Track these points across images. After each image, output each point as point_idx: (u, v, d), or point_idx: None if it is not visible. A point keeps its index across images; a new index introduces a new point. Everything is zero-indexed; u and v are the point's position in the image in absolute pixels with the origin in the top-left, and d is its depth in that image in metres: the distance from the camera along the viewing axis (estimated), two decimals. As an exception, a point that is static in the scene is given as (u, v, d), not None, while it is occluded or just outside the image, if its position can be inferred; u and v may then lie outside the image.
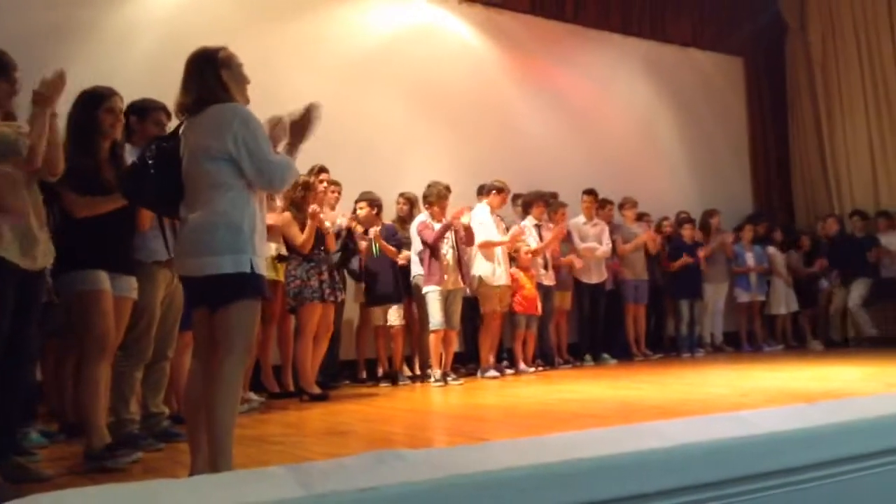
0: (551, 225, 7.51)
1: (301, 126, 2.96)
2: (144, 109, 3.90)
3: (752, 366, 6.98)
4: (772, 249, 9.30)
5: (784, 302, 9.24)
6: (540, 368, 7.15)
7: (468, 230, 6.54)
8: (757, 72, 10.76)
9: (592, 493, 2.64)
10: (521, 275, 7.01)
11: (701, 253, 8.61)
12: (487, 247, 6.78)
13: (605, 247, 7.87)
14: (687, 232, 8.64)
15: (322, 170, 6.06)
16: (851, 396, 3.96)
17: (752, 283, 9.12)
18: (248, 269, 2.73)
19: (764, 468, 3.02)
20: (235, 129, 2.73)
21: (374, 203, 6.60)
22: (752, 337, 9.18)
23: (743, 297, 9.12)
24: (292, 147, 2.97)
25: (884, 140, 9.60)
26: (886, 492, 3.42)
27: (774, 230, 9.54)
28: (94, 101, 3.51)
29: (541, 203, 7.46)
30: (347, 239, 6.16)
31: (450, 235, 6.47)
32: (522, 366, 6.96)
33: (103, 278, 3.40)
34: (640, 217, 8.63)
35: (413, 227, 6.63)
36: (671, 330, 8.80)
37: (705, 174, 10.07)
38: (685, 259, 8.47)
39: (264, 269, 2.88)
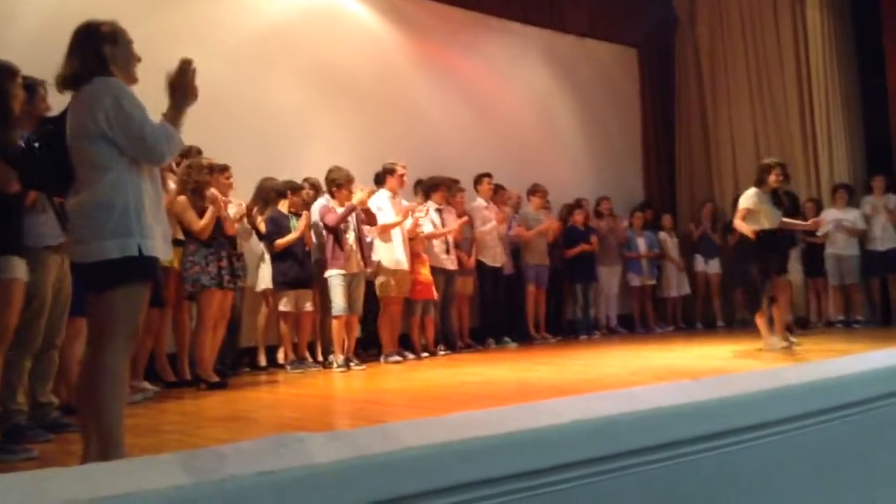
0: (452, 209, 7.60)
1: (178, 85, 2.78)
2: (32, 87, 3.72)
3: (643, 346, 7.27)
4: (662, 235, 9.70)
5: (674, 285, 9.65)
6: (443, 353, 7.23)
7: (368, 212, 6.53)
8: (650, 63, 11.15)
9: (491, 470, 2.71)
10: (418, 260, 7.05)
11: (594, 238, 8.87)
12: (385, 230, 6.78)
13: (493, 225, 7.92)
14: (579, 217, 8.89)
15: (224, 168, 5.88)
16: (731, 373, 4.20)
17: (644, 268, 9.49)
18: (135, 253, 2.64)
19: (652, 441, 3.18)
20: (107, 106, 2.63)
21: (315, 187, 6.70)
22: (644, 319, 9.56)
23: (635, 280, 9.49)
24: (175, 111, 2.79)
25: (766, 131, 10.11)
26: (763, 462, 3.66)
27: (665, 216, 9.93)
28: (4, 74, 3.34)
29: (442, 188, 7.53)
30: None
31: (351, 219, 6.44)
32: (424, 353, 7.02)
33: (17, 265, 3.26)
34: (547, 204, 8.83)
35: (314, 211, 6.58)
36: (570, 314, 9.06)
37: (601, 162, 10.39)
38: (582, 246, 8.72)
39: (160, 251, 2.77)
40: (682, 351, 6.60)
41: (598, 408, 3.24)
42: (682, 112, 11.07)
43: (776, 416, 3.74)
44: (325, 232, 6.44)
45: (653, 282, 9.59)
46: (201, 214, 5.40)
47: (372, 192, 6.72)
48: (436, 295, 7.12)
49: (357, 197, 6.39)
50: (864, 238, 8.57)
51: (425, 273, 7.06)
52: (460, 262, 7.60)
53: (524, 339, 8.17)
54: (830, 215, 8.61)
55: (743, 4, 10.40)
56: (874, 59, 9.16)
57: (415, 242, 7.03)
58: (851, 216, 8.62)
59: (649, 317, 9.58)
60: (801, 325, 8.58)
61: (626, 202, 10.06)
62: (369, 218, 6.56)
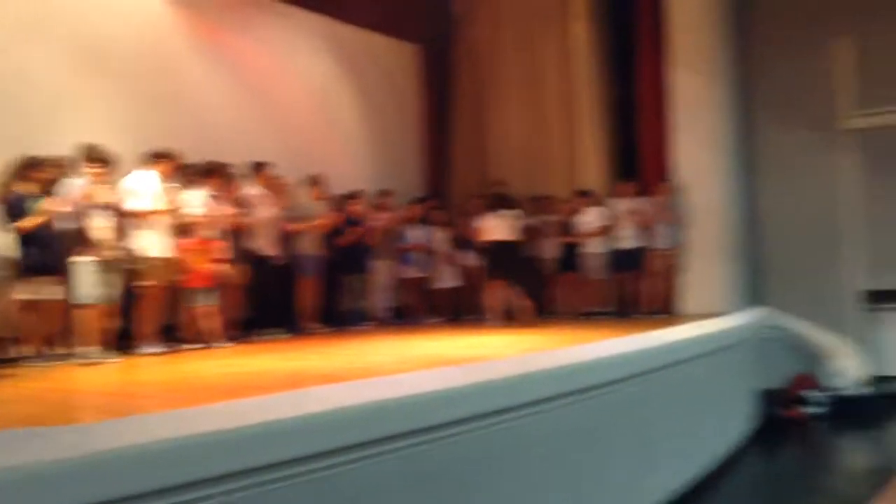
0: (226, 196, 7.33)
1: None
2: None
3: (413, 336, 7.47)
4: (434, 228, 10.01)
5: (445, 277, 10.00)
6: (217, 345, 6.94)
7: (124, 196, 6.13)
8: (431, 60, 11.44)
9: (253, 459, 2.66)
10: (191, 247, 6.75)
11: (368, 228, 8.96)
12: (142, 216, 6.39)
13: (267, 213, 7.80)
14: (355, 208, 8.94)
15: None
16: (491, 360, 4.45)
17: (416, 260, 9.75)
18: None
19: (415, 425, 3.29)
20: None
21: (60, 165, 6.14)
22: (415, 310, 9.82)
23: (407, 272, 9.72)
24: None
25: (532, 133, 10.77)
26: (517, 440, 3.92)
27: (438, 211, 10.26)
28: None
29: (216, 174, 7.26)
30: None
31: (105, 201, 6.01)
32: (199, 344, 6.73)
33: None
34: (324, 194, 8.75)
35: (65, 191, 6.05)
36: (343, 304, 9.07)
37: (380, 155, 10.52)
38: (355, 231, 8.76)
39: None
40: (450, 340, 6.86)
41: (363, 394, 3.30)
42: (458, 110, 11.48)
43: (529, 397, 4.03)
44: (73, 215, 5.94)
45: (424, 274, 9.86)
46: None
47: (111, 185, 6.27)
48: (212, 283, 6.84)
49: (88, 190, 5.97)
50: (612, 237, 9.39)
51: (201, 260, 6.76)
52: (234, 251, 7.35)
53: (296, 329, 8.07)
54: (586, 216, 9.38)
55: (516, 11, 10.99)
56: (627, 73, 10.11)
57: (188, 228, 6.70)
58: (598, 217, 9.38)
59: (420, 308, 9.85)
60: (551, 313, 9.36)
61: (402, 195, 10.26)
62: (122, 202, 6.17)
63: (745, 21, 9.65)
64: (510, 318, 8.79)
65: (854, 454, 7.60)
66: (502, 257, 8.90)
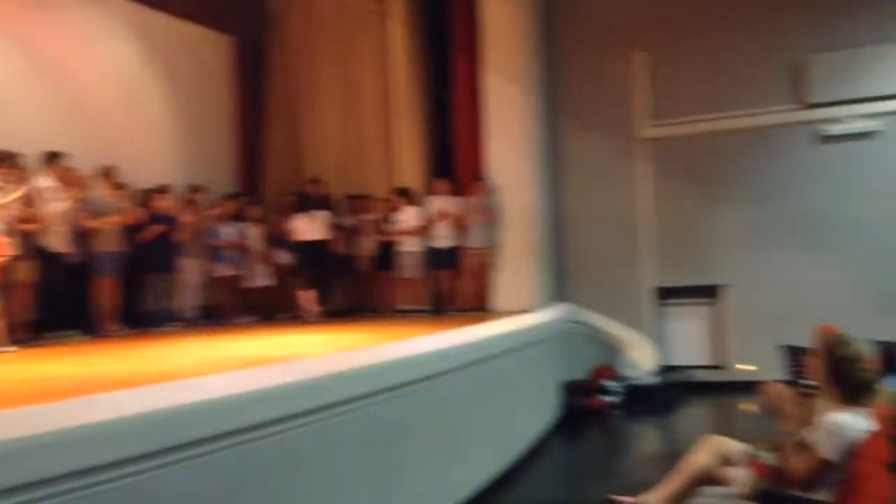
0: (13, 187, 6.69)
1: None
2: None
3: (222, 336, 7.19)
4: (247, 225, 9.71)
5: (257, 276, 9.73)
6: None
7: None
8: (249, 54, 11.09)
9: (39, 471, 2.43)
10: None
11: (177, 224, 8.55)
12: None
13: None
14: (161, 203, 8.50)
15: None
16: (301, 360, 4.36)
17: (228, 258, 9.42)
18: None
19: (220, 429, 3.16)
20: None
21: None
22: (227, 309, 9.48)
23: (218, 270, 9.36)
24: None
25: (351, 132, 10.72)
26: (324, 440, 3.86)
27: (251, 207, 9.97)
28: None
29: (3, 164, 6.65)
30: None
31: None
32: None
33: None
34: (120, 187, 8.22)
35: None
36: (146, 304, 8.58)
37: (192, 149, 10.05)
38: (157, 228, 8.31)
39: None
40: (261, 340, 6.66)
41: (165, 399, 3.11)
42: (273, 106, 11.21)
43: (340, 396, 4.00)
44: None
45: (237, 272, 9.55)
46: None
47: None
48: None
49: None
50: (428, 236, 9.54)
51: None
52: (22, 247, 6.73)
53: (93, 331, 7.53)
54: (403, 214, 9.47)
55: (332, 10, 10.90)
56: (443, 75, 10.30)
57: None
58: (415, 216, 9.51)
59: (232, 307, 9.52)
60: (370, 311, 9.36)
61: (215, 191, 9.87)
62: None
63: (553, 32, 10.16)
64: (324, 317, 8.73)
65: (646, 439, 8.21)
66: (313, 257, 8.82)
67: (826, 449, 3.20)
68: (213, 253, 9.34)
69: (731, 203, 9.69)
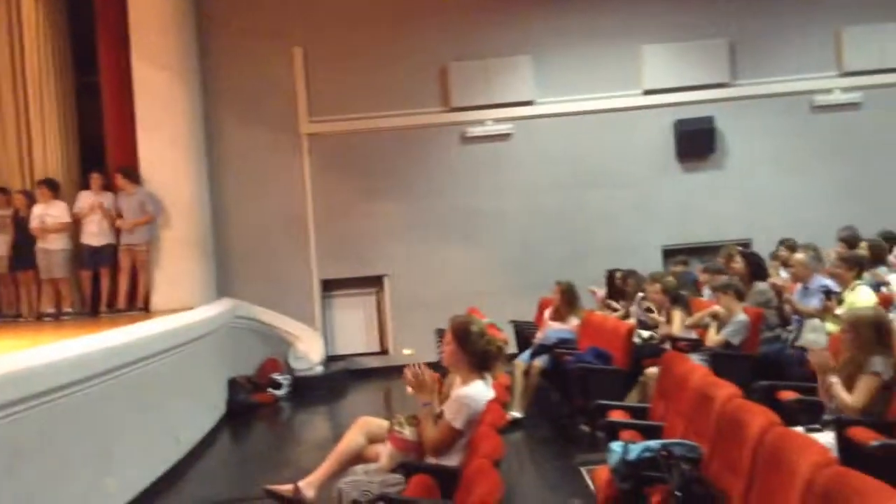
0: None
1: None
2: None
3: None
4: None
5: None
6: None
7: None
8: None
9: None
10: None
11: None
12: None
13: None
14: None
15: None
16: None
17: None
18: None
19: None
20: None
21: None
22: None
23: None
24: None
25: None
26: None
27: None
28: None
29: None
30: None
31: None
32: None
33: None
34: None
35: None
36: None
37: None
38: None
39: None
40: None
41: None
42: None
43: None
44: None
45: None
46: None
47: None
48: None
49: None
50: (78, 233, 8.75)
51: None
52: None
53: None
54: (38, 210, 8.58)
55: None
56: (89, 59, 9.45)
57: None
58: (56, 211, 8.65)
59: None
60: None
61: None
62: None
63: (210, 21, 9.89)
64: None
65: (314, 427, 8.44)
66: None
67: (456, 419, 3.58)
68: None
69: (389, 198, 10.28)
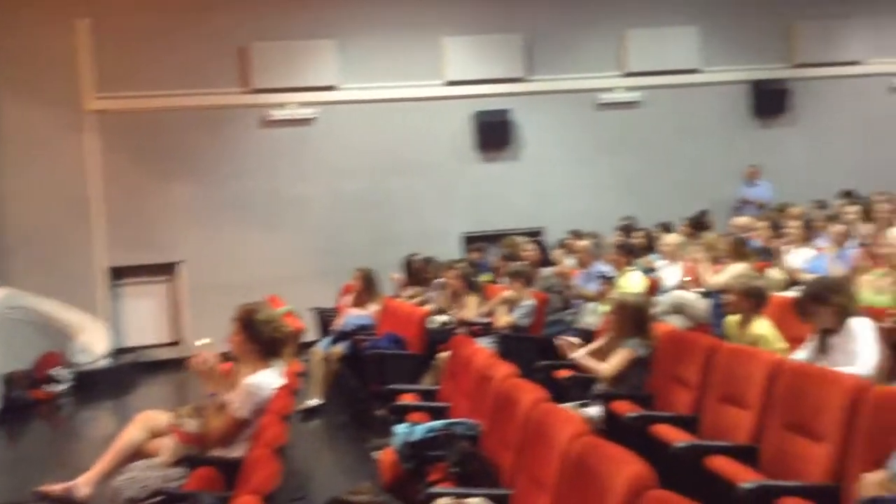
0: None
1: None
2: None
3: None
4: None
5: None
6: None
7: None
8: None
9: None
10: None
11: None
12: None
13: None
14: None
15: None
16: None
17: None
18: None
19: None
20: None
21: None
22: None
23: None
24: None
25: None
26: None
27: None
28: None
29: None
30: None
31: None
32: None
33: None
34: None
35: None
36: None
37: None
38: None
39: None
40: None
41: None
42: None
43: None
44: None
45: None
46: None
47: None
48: None
49: None
50: None
51: None
52: None
53: None
54: None
55: None
56: None
57: None
58: None
59: None
60: None
61: None
62: None
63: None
64: None
65: (97, 424, 7.91)
66: None
67: (241, 409, 3.50)
68: None
69: (184, 181, 9.82)
